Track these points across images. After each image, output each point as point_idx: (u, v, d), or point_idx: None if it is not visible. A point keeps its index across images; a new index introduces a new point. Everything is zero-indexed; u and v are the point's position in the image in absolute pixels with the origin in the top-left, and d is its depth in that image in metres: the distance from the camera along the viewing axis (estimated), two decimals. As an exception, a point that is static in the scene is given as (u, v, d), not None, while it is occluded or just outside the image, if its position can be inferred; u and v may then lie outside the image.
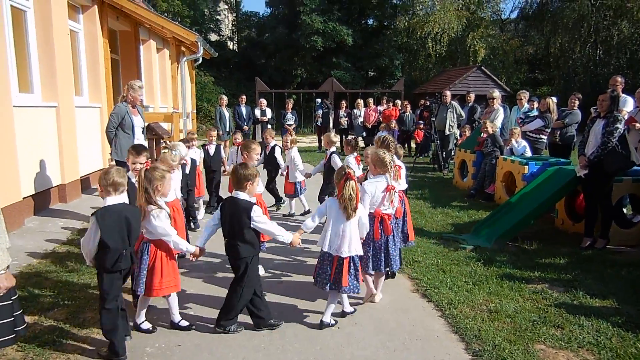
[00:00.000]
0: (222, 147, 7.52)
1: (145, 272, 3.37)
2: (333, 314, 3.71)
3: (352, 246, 3.52)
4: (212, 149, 7.27)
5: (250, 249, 3.41)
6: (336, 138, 6.71)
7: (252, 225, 3.37)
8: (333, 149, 6.42)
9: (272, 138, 7.55)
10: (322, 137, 15.51)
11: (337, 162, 6.07)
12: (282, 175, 7.28)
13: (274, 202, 7.61)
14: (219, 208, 3.54)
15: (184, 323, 3.57)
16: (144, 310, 3.56)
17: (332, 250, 3.52)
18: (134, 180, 3.82)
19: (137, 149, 4.08)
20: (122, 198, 3.12)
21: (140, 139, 6.41)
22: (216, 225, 3.54)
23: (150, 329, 3.52)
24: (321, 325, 3.58)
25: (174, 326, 3.56)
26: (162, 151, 4.45)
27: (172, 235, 3.36)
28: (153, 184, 3.25)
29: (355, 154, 5.65)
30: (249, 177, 3.41)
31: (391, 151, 4.32)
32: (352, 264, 3.54)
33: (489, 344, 3.33)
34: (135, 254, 3.34)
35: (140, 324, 3.52)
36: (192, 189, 6.22)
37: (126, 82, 6.52)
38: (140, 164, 3.88)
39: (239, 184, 3.43)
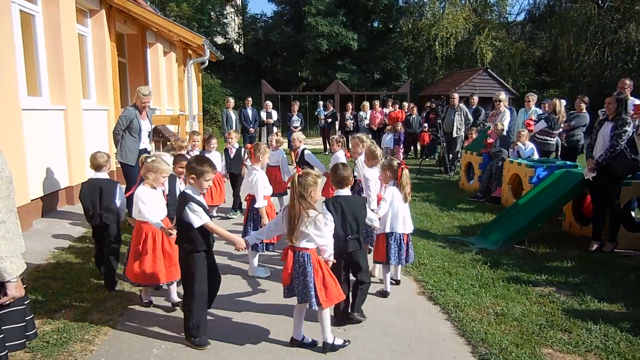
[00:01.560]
0: (206, 153, 6.80)
1: (312, 284, 3.10)
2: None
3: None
4: None
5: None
6: (303, 136, 7.17)
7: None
8: (303, 146, 6.91)
9: (301, 142, 7.03)
10: (326, 139, 15.59)
11: (310, 157, 6.73)
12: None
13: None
14: (332, 210, 3.38)
15: (339, 341, 3.29)
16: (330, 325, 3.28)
17: (405, 229, 4.14)
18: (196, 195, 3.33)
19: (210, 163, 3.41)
20: (101, 175, 4.38)
21: (145, 142, 6.45)
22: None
23: (343, 342, 3.31)
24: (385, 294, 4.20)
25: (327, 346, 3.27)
26: (150, 159, 3.86)
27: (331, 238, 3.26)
28: (307, 190, 3.10)
29: (343, 150, 6.14)
30: (350, 175, 3.64)
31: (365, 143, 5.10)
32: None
33: (496, 347, 3.31)
34: (289, 268, 3.16)
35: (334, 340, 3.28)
36: None
37: (133, 85, 6.58)
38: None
39: (344, 182, 3.57)
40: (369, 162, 4.76)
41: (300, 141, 6.89)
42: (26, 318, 2.32)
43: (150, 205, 3.73)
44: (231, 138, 7.29)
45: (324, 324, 3.25)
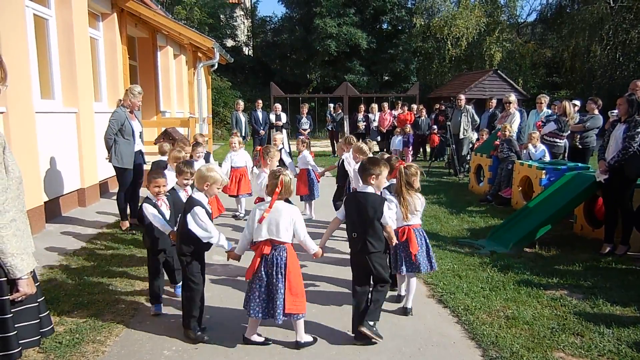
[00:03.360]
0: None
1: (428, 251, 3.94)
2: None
3: None
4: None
5: None
6: (281, 135, 7.74)
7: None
8: (281, 146, 7.36)
9: (281, 141, 7.40)
10: (334, 142, 15.60)
11: (285, 156, 7.26)
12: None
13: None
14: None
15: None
16: None
17: None
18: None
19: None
20: (164, 158, 5.47)
21: (139, 143, 6.43)
22: None
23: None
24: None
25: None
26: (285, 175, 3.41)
27: None
28: (411, 179, 3.76)
29: (308, 150, 7.12)
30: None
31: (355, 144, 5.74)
32: None
33: (507, 351, 3.29)
34: (416, 244, 3.84)
35: None
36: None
37: (144, 88, 6.58)
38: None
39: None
40: (357, 158, 5.31)
41: (280, 141, 7.33)
42: (40, 315, 2.37)
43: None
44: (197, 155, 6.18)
45: (413, 290, 3.98)
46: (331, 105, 16.18)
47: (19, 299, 2.20)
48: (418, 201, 3.84)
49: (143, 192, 5.49)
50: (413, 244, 3.79)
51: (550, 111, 8.91)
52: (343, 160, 6.47)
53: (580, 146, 8.22)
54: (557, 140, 8.03)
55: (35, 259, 2.26)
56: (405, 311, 3.92)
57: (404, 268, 3.83)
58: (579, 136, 8.15)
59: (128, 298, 4.17)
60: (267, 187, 3.36)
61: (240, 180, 7.09)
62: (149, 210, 3.83)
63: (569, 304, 4.06)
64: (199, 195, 3.43)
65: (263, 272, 3.24)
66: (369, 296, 3.46)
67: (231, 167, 7.09)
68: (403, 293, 4.12)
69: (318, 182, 7.14)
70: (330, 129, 15.61)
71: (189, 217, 3.33)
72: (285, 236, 3.25)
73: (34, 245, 2.30)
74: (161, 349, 3.34)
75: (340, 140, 7.46)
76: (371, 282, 3.48)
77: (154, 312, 3.88)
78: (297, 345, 3.35)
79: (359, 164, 5.07)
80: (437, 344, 3.45)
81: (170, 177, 4.42)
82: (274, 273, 3.21)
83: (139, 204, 3.79)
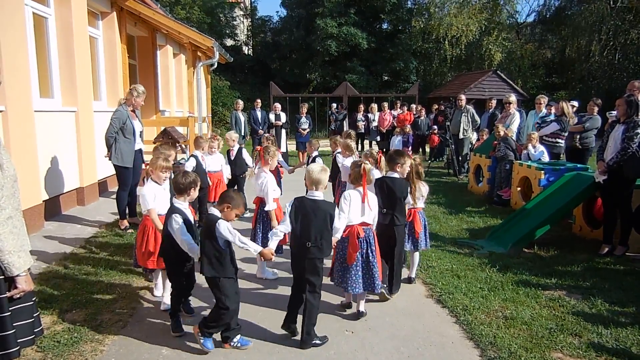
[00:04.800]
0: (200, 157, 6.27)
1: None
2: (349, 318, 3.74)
3: None
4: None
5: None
6: (236, 135, 7.39)
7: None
8: (237, 145, 7.34)
9: (234, 141, 7.09)
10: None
11: (246, 155, 7.27)
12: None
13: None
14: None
15: None
16: None
17: None
18: None
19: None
20: (196, 153, 6.01)
21: (139, 143, 6.43)
22: None
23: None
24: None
25: None
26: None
27: None
28: (419, 169, 4.35)
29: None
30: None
31: (353, 139, 6.24)
32: None
33: (505, 351, 3.29)
34: (421, 224, 4.52)
35: None
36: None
37: (143, 87, 6.57)
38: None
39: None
40: (345, 153, 5.74)
41: (233, 140, 7.10)
42: (34, 314, 2.37)
43: None
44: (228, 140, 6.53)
45: (417, 263, 4.67)
46: (334, 105, 16.16)
47: (17, 296, 2.21)
48: (423, 188, 4.46)
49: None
50: (417, 223, 4.44)
51: (546, 111, 8.93)
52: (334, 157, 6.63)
53: (580, 146, 8.23)
54: (559, 140, 8.05)
55: (34, 257, 2.26)
56: (409, 280, 4.59)
57: (408, 244, 4.45)
58: (578, 137, 8.16)
59: (126, 297, 4.16)
60: (349, 176, 3.87)
61: (218, 186, 6.66)
62: (175, 223, 3.34)
63: (567, 305, 4.07)
64: (321, 195, 3.44)
65: (358, 253, 3.64)
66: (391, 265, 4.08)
67: (207, 171, 6.44)
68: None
69: (281, 178, 7.10)
70: (333, 128, 15.59)
71: (336, 217, 3.41)
72: (371, 218, 3.75)
73: (33, 244, 2.31)
74: (159, 348, 3.34)
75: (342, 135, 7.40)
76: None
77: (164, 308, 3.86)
78: (359, 315, 3.80)
79: (347, 159, 5.61)
80: (436, 344, 3.45)
81: (151, 190, 4.03)
82: (369, 252, 3.69)
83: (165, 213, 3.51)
